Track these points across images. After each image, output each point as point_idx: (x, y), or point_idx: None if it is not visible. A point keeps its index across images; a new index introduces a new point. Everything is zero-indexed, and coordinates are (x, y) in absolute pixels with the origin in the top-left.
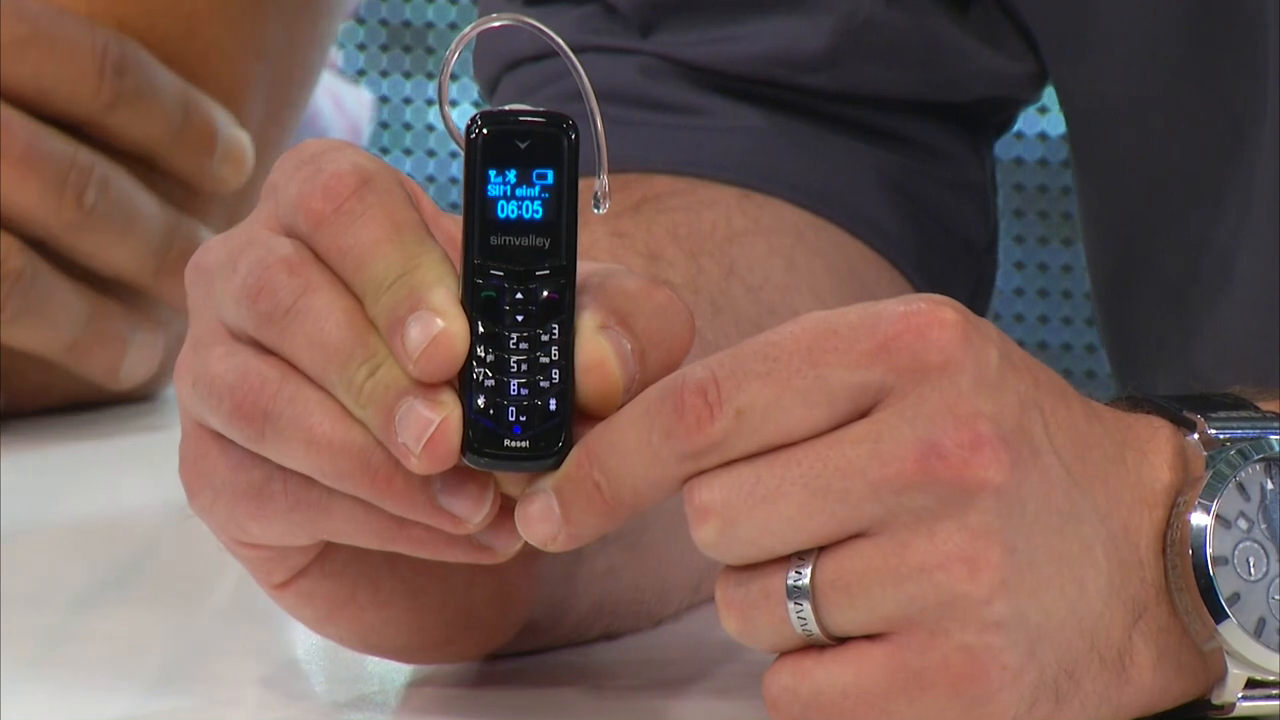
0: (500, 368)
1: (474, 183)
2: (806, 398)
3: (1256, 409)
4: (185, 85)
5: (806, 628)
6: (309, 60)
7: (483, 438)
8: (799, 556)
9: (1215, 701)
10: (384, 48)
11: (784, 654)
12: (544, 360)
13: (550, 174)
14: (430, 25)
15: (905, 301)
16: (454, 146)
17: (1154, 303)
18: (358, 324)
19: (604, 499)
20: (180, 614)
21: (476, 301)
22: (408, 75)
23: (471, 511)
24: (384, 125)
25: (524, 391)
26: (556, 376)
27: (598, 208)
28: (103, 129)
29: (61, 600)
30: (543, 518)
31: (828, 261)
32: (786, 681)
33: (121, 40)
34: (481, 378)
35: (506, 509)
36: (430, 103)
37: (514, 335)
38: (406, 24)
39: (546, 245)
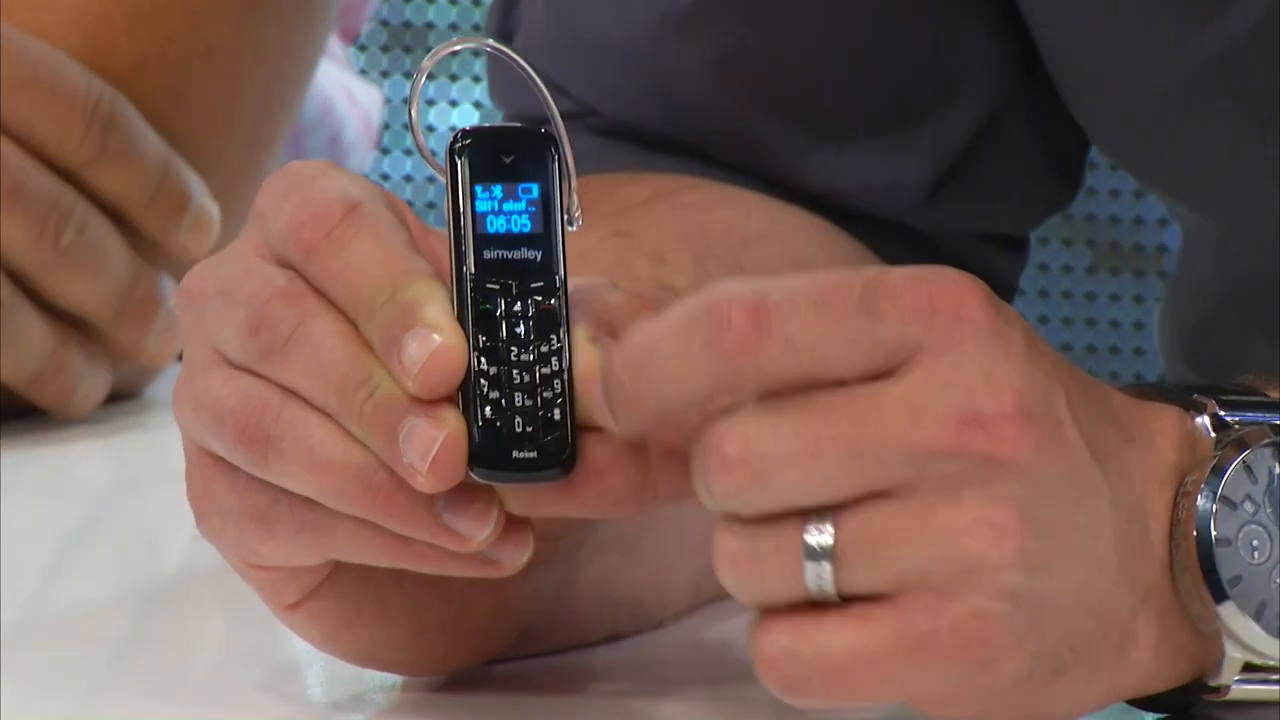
0: (502, 380)
1: (461, 199)
2: (853, 341)
3: (1267, 396)
4: (168, 149)
5: (822, 586)
6: (304, 61)
7: (489, 451)
8: (816, 513)
9: (1211, 684)
10: (384, 48)
11: (774, 614)
12: (545, 371)
13: (535, 187)
14: (431, 25)
15: (939, 271)
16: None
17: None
18: (354, 347)
19: (631, 400)
20: (178, 616)
21: (476, 316)
22: (409, 76)
23: (476, 529)
24: (385, 126)
25: (528, 402)
26: (559, 386)
27: (571, 225)
28: (80, 182)
29: (58, 603)
30: (599, 412)
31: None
32: (785, 643)
33: (115, 97)
34: (484, 391)
35: (512, 522)
36: (431, 103)
37: (514, 348)
38: (407, 24)
39: (539, 257)
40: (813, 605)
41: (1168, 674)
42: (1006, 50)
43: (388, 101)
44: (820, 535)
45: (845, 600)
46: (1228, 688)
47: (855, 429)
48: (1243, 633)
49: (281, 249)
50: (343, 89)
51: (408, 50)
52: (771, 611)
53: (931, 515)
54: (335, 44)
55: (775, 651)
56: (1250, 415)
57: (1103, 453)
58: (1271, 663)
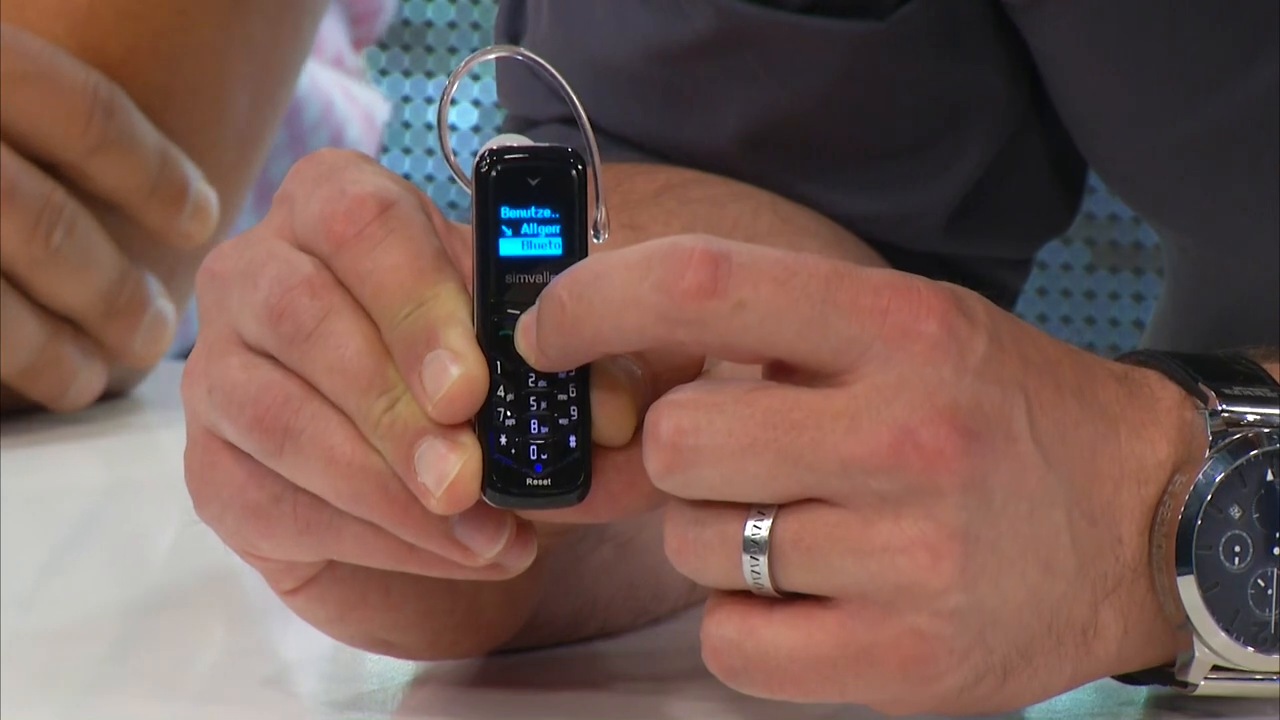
0: (520, 406)
1: (486, 221)
2: (804, 327)
3: (1274, 384)
4: (163, 138)
5: (759, 581)
6: (291, 58)
7: (504, 477)
8: (759, 508)
9: (1179, 678)
10: (383, 46)
11: (726, 601)
12: (562, 397)
13: (561, 209)
14: (430, 24)
15: (909, 280)
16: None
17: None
18: (376, 352)
19: (567, 320)
20: (177, 615)
21: (494, 341)
22: (407, 74)
23: (487, 546)
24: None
25: (544, 429)
26: (575, 413)
27: (598, 237)
28: (82, 173)
29: (57, 602)
30: (526, 330)
31: None
32: (731, 635)
33: (110, 85)
34: (501, 417)
35: (519, 528)
36: (430, 101)
37: (533, 373)
38: (406, 22)
39: None
40: (765, 598)
41: (1136, 659)
42: (1016, 90)
43: (385, 98)
44: (759, 530)
45: (787, 596)
46: (1196, 685)
47: (790, 435)
48: (1213, 640)
49: (309, 238)
50: (341, 89)
51: (406, 48)
52: (723, 597)
53: (870, 531)
54: (345, 54)
55: (720, 642)
56: (1252, 410)
57: (1068, 455)
58: (1239, 666)
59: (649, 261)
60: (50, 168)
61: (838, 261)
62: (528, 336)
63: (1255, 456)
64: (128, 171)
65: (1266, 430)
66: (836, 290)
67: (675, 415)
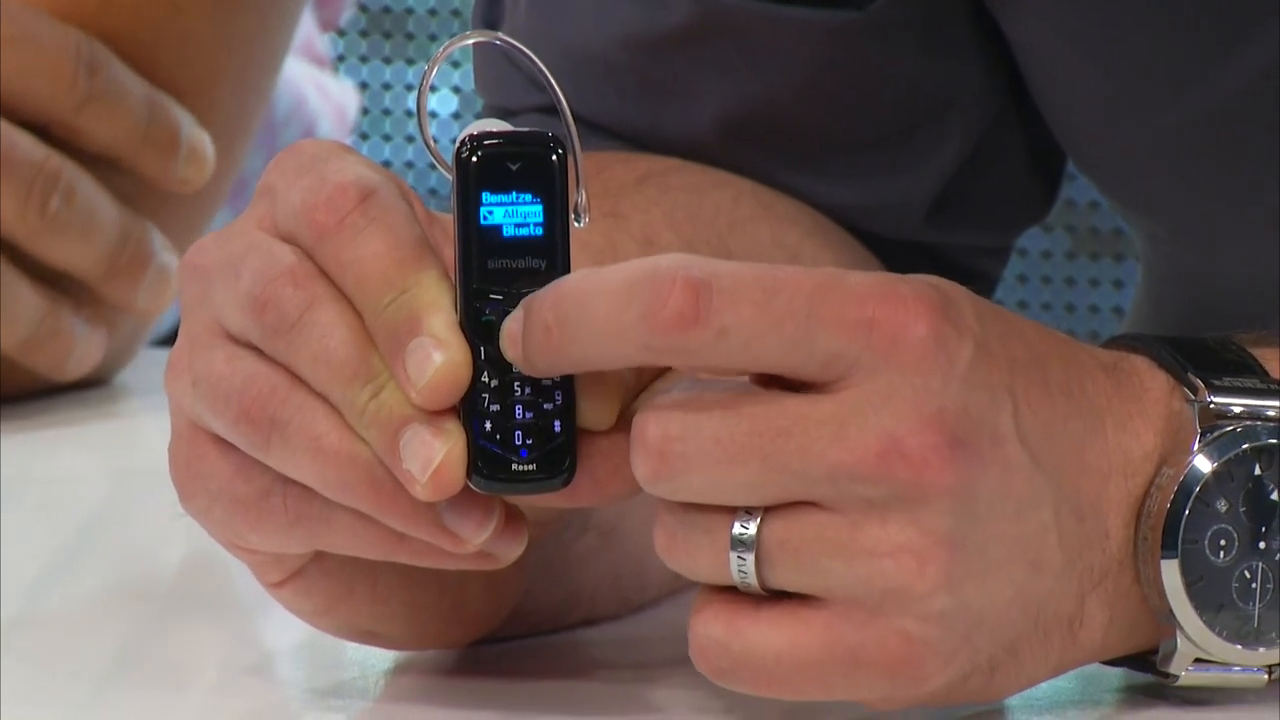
0: (504, 392)
1: (467, 207)
2: (789, 346)
3: (1264, 375)
4: (150, 86)
5: (746, 580)
6: (277, 50)
7: (490, 463)
8: (746, 508)
9: (1161, 669)
10: (363, 33)
11: (713, 600)
12: (546, 382)
13: (542, 194)
14: (410, 11)
15: (893, 285)
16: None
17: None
18: (361, 341)
19: (553, 345)
20: (159, 602)
21: (477, 327)
22: (387, 61)
23: (475, 532)
24: (364, 111)
25: (529, 415)
26: (559, 398)
27: (578, 221)
28: (71, 129)
29: (38, 590)
30: (513, 341)
31: (837, 258)
32: (718, 635)
33: (90, 40)
34: (486, 403)
35: (509, 516)
36: (410, 88)
37: None
38: (386, 10)
39: (543, 266)
40: (749, 594)
41: (1120, 647)
42: (994, 80)
43: (365, 86)
44: (746, 530)
45: (775, 594)
46: (1178, 676)
47: (777, 443)
48: (1196, 634)
49: (291, 227)
50: (314, 83)
51: (387, 36)
52: (711, 595)
53: (857, 534)
54: (314, 38)
55: (708, 642)
56: (1242, 402)
57: (1055, 452)
58: (1222, 660)
59: (631, 290)
60: (40, 129)
61: (821, 273)
62: (514, 348)
63: (1244, 451)
64: (117, 123)
65: (1255, 423)
66: (820, 306)
67: (662, 422)
